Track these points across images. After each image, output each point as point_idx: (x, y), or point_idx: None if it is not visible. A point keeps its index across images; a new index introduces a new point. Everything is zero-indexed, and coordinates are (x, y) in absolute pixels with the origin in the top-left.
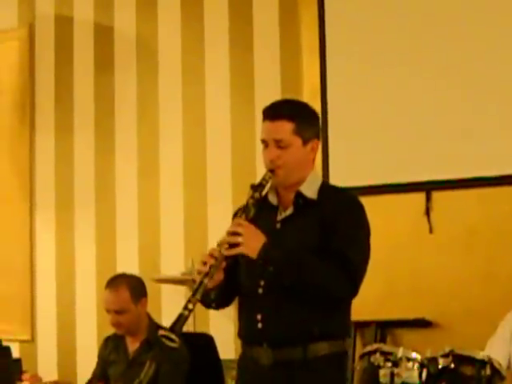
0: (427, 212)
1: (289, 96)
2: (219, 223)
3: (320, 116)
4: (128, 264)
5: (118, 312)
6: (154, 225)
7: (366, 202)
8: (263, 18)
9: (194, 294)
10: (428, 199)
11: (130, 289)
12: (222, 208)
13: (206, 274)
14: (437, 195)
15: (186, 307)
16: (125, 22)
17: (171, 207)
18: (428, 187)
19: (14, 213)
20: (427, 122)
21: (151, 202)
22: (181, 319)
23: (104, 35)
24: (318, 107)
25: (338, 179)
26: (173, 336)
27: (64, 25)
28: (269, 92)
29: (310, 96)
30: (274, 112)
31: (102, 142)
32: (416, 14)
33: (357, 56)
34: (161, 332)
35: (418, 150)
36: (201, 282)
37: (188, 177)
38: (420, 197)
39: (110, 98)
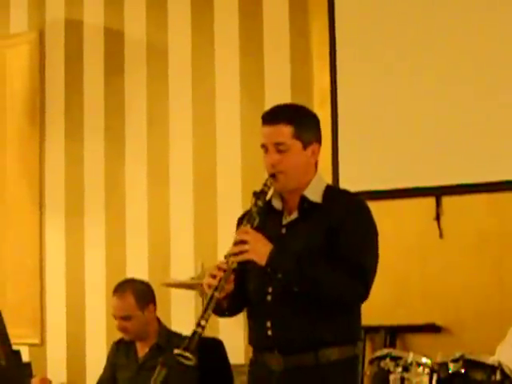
0: (437, 217)
1: (299, 101)
2: (229, 227)
3: (330, 120)
4: (137, 268)
5: (123, 318)
6: (164, 229)
7: (376, 206)
8: (273, 21)
9: (205, 310)
10: (438, 204)
11: (135, 295)
12: (232, 212)
13: (216, 288)
14: (447, 200)
15: (199, 324)
16: (135, 25)
17: (181, 211)
18: (438, 192)
19: (23, 217)
20: (437, 126)
21: (161, 205)
22: (195, 337)
23: (114, 39)
24: (327, 112)
25: (347, 184)
26: (188, 354)
27: (74, 29)
28: (279, 97)
29: (319, 101)
30: (272, 116)
31: (112, 145)
32: (427, 21)
33: (366, 61)
34: (176, 351)
35: (428, 154)
36: (211, 297)
37: (198, 180)
38: (430, 202)
39: (120, 102)
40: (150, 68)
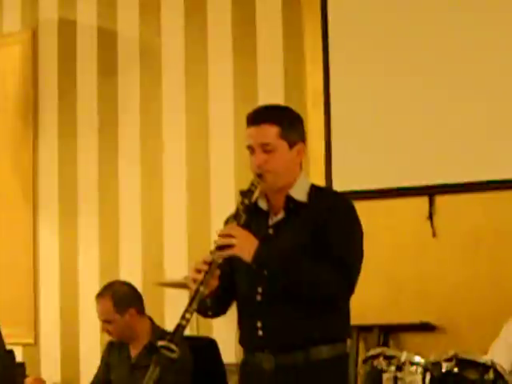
0: (430, 216)
1: (292, 102)
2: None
3: (323, 121)
4: (131, 268)
5: (105, 321)
6: (158, 228)
7: (370, 206)
8: (267, 23)
9: (190, 304)
10: (431, 203)
11: (113, 300)
12: (225, 211)
13: (201, 283)
14: (440, 199)
15: (183, 317)
16: (128, 25)
17: (174, 211)
18: (431, 191)
19: (17, 216)
20: (430, 126)
21: (154, 205)
22: (179, 330)
23: (107, 39)
24: (320, 113)
25: (341, 184)
26: (172, 346)
27: (67, 29)
28: (272, 98)
29: (312, 102)
30: (258, 117)
31: (105, 145)
32: (419, 23)
33: (359, 62)
34: (160, 343)
35: (421, 154)
36: (197, 291)
37: (191, 179)
38: (423, 201)
39: (114, 102)
40: (144, 68)
